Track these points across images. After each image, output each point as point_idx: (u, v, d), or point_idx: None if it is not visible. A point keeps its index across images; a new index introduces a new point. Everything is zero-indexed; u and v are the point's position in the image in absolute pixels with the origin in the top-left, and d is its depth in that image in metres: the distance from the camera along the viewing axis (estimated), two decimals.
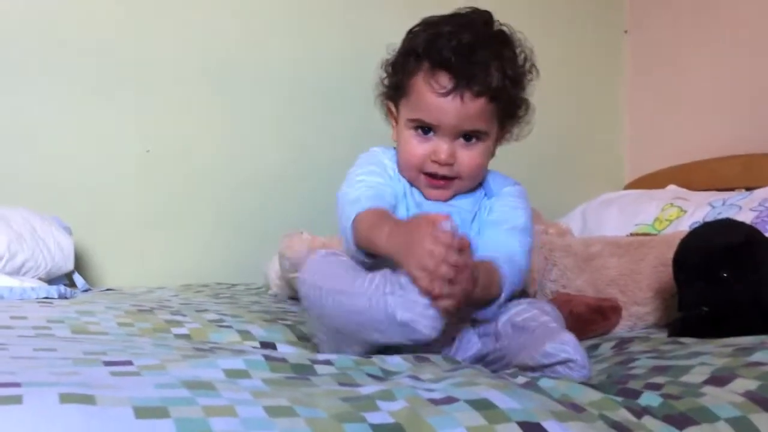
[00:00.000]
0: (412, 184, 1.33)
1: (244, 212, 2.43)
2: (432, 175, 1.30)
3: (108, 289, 2.06)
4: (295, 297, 1.87)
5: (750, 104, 2.47)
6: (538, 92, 2.79)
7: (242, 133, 2.44)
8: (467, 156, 1.29)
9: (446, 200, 1.32)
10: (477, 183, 1.35)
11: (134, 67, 2.30)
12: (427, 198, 1.32)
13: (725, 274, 1.33)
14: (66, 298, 1.76)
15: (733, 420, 0.87)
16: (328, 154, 2.51)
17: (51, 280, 1.97)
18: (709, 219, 2.01)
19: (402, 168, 1.33)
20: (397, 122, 1.36)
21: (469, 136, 1.29)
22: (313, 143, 2.51)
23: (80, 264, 2.20)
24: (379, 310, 1.08)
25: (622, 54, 2.96)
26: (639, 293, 1.64)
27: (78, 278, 2.05)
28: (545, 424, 0.79)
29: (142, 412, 0.72)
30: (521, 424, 0.78)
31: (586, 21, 2.91)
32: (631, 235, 2.08)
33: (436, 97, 1.25)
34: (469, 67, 1.24)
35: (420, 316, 1.05)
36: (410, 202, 1.32)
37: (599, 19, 2.94)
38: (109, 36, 2.27)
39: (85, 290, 2.01)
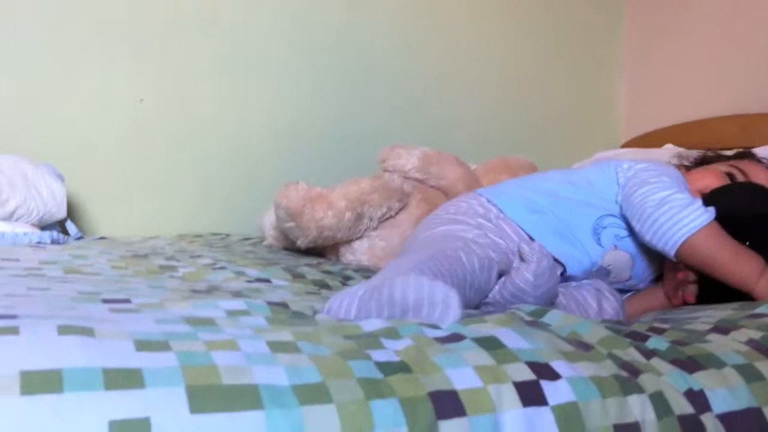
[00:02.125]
0: None
1: (240, 164, 2.40)
2: None
3: (101, 238, 2.04)
4: (290, 248, 1.86)
5: (749, 64, 2.44)
6: (535, 52, 2.79)
7: (240, 85, 2.40)
8: None
9: None
10: None
11: (128, 16, 2.25)
12: None
13: (747, 243, 1.29)
14: (59, 243, 1.74)
15: (740, 367, 0.86)
16: (325, 109, 2.49)
17: (43, 227, 1.94)
18: None
19: None
20: None
21: None
22: (312, 98, 2.48)
23: (73, 213, 2.17)
24: None
25: (621, 13, 2.93)
26: None
27: (71, 226, 2.03)
28: (554, 364, 0.77)
29: (143, 345, 0.70)
30: (530, 364, 0.77)
31: None
32: None
33: None
34: None
35: None
36: None
37: None
38: None
39: (78, 238, 1.99)
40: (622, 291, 1.43)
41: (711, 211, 1.25)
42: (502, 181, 1.70)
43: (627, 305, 1.38)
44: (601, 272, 1.37)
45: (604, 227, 1.37)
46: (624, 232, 1.38)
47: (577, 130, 2.88)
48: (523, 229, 1.35)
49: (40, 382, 0.62)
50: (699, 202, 1.27)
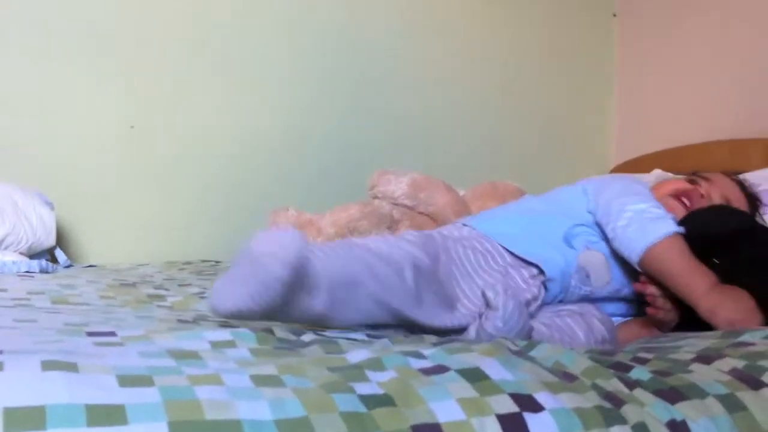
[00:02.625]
0: None
1: (228, 190, 2.41)
2: None
3: (90, 266, 2.04)
4: None
5: (738, 89, 2.47)
6: (527, 75, 2.81)
7: (228, 111, 2.41)
8: None
9: None
10: None
11: (119, 43, 2.26)
12: None
13: (716, 260, 1.32)
14: (47, 272, 1.74)
15: (722, 397, 0.87)
16: (315, 132, 2.50)
17: (32, 256, 1.94)
18: None
19: None
20: None
21: None
22: (301, 121, 2.49)
23: (63, 241, 2.17)
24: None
25: (611, 37, 2.95)
26: None
27: (60, 254, 2.03)
28: (537, 396, 0.78)
29: (127, 380, 0.70)
30: (513, 396, 0.77)
31: (575, 4, 2.90)
32: None
33: None
34: None
35: None
36: None
37: (588, 2, 2.93)
38: (92, 9, 2.23)
39: (68, 266, 1.99)
40: (615, 312, 1.44)
41: (678, 228, 1.31)
42: (488, 209, 1.72)
43: (620, 331, 1.39)
44: (581, 275, 1.39)
45: (576, 235, 1.42)
46: (596, 238, 1.42)
47: (567, 155, 2.90)
48: (500, 244, 1.37)
49: (23, 419, 0.62)
50: (671, 217, 1.34)
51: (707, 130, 2.51)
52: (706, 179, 1.54)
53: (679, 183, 1.55)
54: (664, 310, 1.33)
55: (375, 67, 2.58)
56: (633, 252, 1.32)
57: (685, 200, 1.50)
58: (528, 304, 1.28)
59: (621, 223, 1.35)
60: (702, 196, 1.51)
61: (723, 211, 1.46)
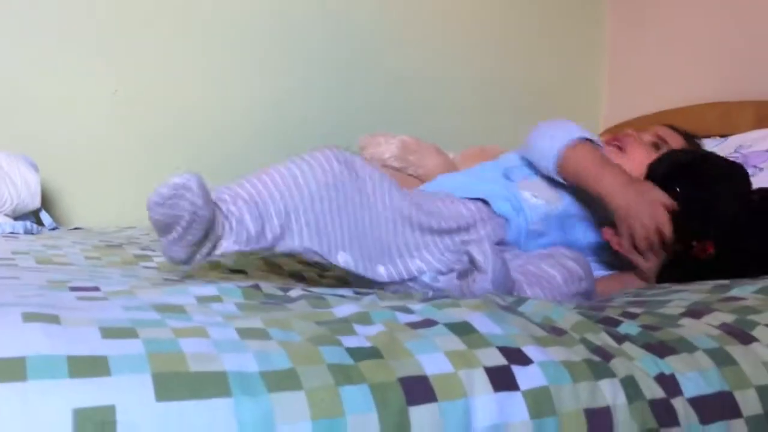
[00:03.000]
0: None
1: (217, 156, 2.38)
2: None
3: (76, 228, 2.02)
4: None
5: (728, 53, 2.45)
6: (518, 37, 2.78)
7: (216, 76, 2.38)
8: None
9: None
10: None
11: (101, 6, 2.22)
12: None
13: (678, 189, 1.34)
14: (32, 234, 1.72)
15: (711, 351, 0.86)
16: (305, 103, 2.47)
17: (17, 218, 1.92)
18: None
19: None
20: None
21: None
22: (291, 94, 2.46)
23: (48, 204, 2.15)
24: None
25: (603, 1, 2.93)
26: None
27: (45, 216, 2.00)
28: (525, 349, 0.77)
29: (109, 332, 0.69)
30: (501, 350, 0.76)
31: None
32: None
33: None
34: None
35: None
36: None
37: None
38: None
39: (53, 228, 1.97)
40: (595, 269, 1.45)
41: (585, 134, 1.43)
42: None
43: (599, 285, 1.39)
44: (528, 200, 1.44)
45: (512, 170, 1.51)
46: (529, 171, 1.50)
47: (557, 117, 2.88)
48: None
49: (3, 370, 0.61)
50: (577, 127, 1.46)
51: (698, 93, 2.50)
52: (663, 139, 1.62)
53: (645, 152, 1.60)
54: (634, 255, 1.34)
55: (361, 45, 2.54)
56: (549, 161, 1.40)
57: (616, 143, 1.59)
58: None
59: (534, 141, 1.45)
60: (632, 136, 1.61)
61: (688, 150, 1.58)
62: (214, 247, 1.02)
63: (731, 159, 1.86)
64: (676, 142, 1.63)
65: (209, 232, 1.00)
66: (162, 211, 0.97)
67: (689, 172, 1.39)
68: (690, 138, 1.69)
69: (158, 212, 0.97)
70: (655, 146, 1.59)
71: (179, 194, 0.97)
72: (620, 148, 1.57)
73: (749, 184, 1.42)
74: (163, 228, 1.00)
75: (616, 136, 1.63)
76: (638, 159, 1.55)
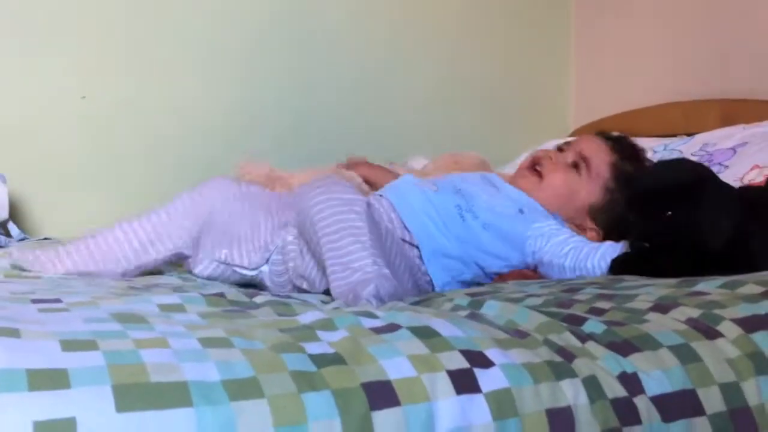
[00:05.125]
0: None
1: (185, 164, 2.37)
2: None
3: (45, 238, 2.00)
4: None
5: (692, 52, 2.48)
6: (485, 39, 2.79)
7: (185, 83, 2.37)
8: None
9: None
10: None
11: (67, 11, 2.21)
12: None
13: (669, 213, 1.33)
14: (0, 246, 1.70)
15: (675, 347, 0.87)
16: (272, 108, 2.46)
17: None
18: None
19: None
20: None
21: None
22: (259, 96, 2.45)
23: (16, 214, 2.13)
24: None
25: (569, 1, 2.95)
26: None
27: (13, 227, 1.99)
28: (487, 352, 0.78)
29: (70, 345, 0.69)
30: (464, 353, 0.77)
31: None
32: None
33: None
34: None
35: None
36: None
37: None
38: None
39: (21, 239, 1.95)
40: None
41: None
42: None
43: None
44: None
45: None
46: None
47: (526, 120, 2.89)
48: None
49: None
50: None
51: (665, 93, 2.53)
52: (584, 158, 1.58)
53: (537, 153, 1.65)
54: None
55: (326, 35, 2.54)
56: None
57: (537, 167, 1.58)
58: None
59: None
60: (550, 158, 1.59)
61: (676, 163, 1.49)
62: None
63: (697, 160, 1.88)
64: (600, 157, 1.58)
65: None
66: None
67: (681, 196, 1.34)
68: (621, 145, 1.64)
69: None
70: (575, 166, 1.58)
71: None
72: (539, 173, 1.57)
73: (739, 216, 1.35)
74: None
75: (535, 157, 1.62)
76: (556, 184, 1.56)
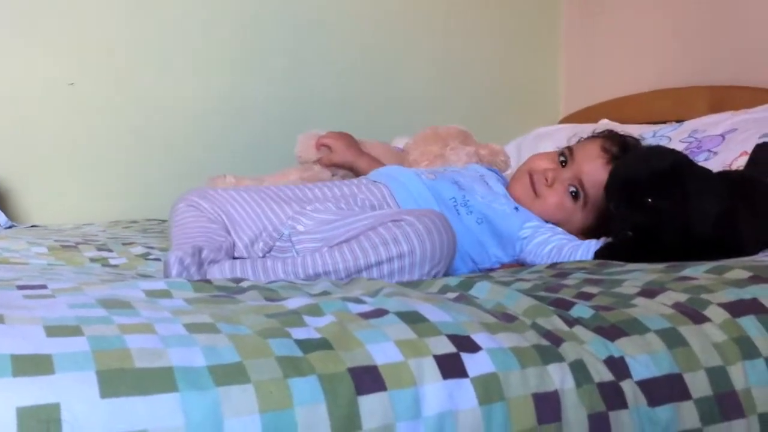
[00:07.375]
0: None
1: (172, 151, 2.37)
2: None
3: (33, 226, 2.00)
4: None
5: (681, 40, 2.48)
6: (475, 27, 2.79)
7: (171, 69, 2.36)
8: None
9: None
10: None
11: None
12: None
13: (650, 200, 1.32)
14: None
15: (663, 332, 0.87)
16: (256, 94, 2.46)
17: None
18: None
19: None
20: None
21: None
22: (243, 83, 2.45)
23: (3, 201, 2.12)
24: None
25: None
26: None
27: (0, 215, 1.98)
28: (475, 337, 0.77)
29: (54, 331, 0.69)
30: (451, 337, 0.77)
31: None
32: None
33: None
34: None
35: None
36: None
37: None
38: None
39: (9, 227, 1.94)
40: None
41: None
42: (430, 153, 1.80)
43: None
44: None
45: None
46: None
47: (516, 106, 2.90)
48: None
49: None
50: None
51: (654, 80, 2.53)
52: (572, 152, 1.55)
53: (542, 161, 1.58)
54: None
55: (313, 28, 2.53)
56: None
57: (534, 183, 1.55)
58: None
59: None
60: (546, 179, 1.54)
61: (654, 150, 1.49)
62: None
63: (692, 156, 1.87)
64: (601, 185, 1.44)
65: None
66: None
67: (663, 182, 1.33)
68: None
69: None
70: (574, 195, 1.53)
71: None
72: (535, 191, 1.55)
73: (725, 199, 1.33)
74: None
75: (532, 171, 1.57)
76: (550, 206, 1.53)
